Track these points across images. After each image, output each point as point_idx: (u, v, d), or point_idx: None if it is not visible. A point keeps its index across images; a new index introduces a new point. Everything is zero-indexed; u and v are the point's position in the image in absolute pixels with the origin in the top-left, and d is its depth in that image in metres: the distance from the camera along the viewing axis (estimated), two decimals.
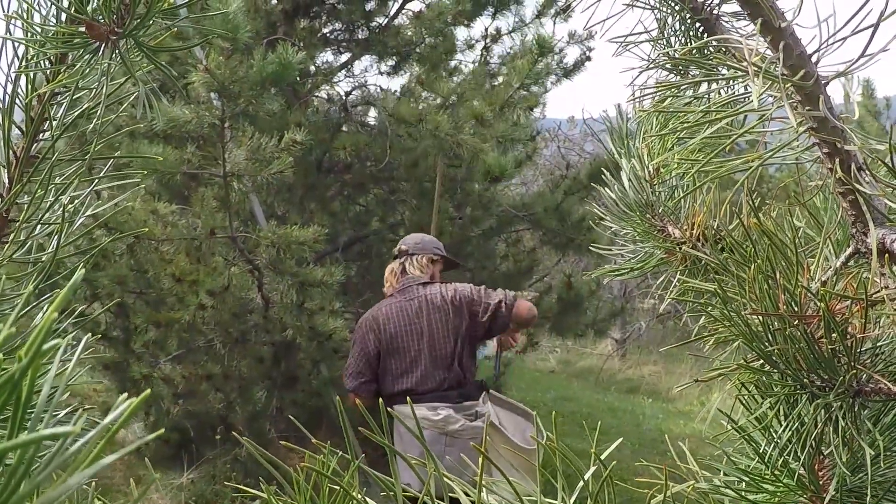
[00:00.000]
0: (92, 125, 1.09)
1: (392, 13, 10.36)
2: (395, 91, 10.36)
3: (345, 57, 10.62)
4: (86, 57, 1.06)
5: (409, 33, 10.14)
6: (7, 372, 0.46)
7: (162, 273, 7.92)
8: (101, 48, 1.04)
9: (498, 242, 11.73)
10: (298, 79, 9.18)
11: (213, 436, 8.92)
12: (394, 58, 10.41)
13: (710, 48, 1.26)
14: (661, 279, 1.55)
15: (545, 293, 11.56)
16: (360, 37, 10.41)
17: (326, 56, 10.50)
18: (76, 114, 1.11)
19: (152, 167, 7.30)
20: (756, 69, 1.05)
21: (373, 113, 10.22)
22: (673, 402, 17.01)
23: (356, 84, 10.62)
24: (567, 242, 11.00)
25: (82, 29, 1.05)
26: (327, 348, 8.01)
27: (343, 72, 10.54)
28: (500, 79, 10.10)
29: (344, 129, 9.85)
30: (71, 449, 0.50)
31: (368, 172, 10.04)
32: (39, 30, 1.06)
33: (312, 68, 9.87)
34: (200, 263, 8.06)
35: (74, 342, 0.55)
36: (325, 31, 10.29)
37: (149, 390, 0.54)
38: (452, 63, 10.42)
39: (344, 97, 10.33)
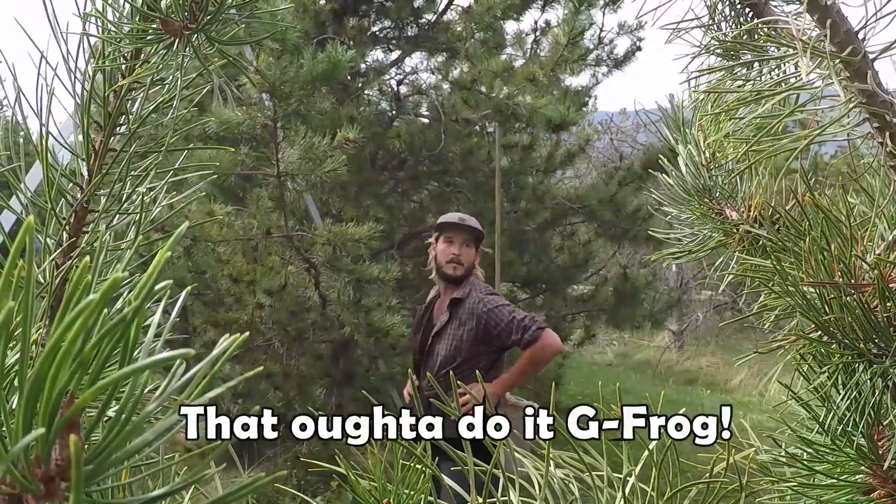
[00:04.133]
0: (168, 116, 1.14)
1: (441, 9, 10.37)
2: (448, 73, 10.38)
3: (395, 54, 10.64)
4: (161, 52, 1.11)
5: (459, 28, 10.16)
6: (120, 313, 0.50)
7: (219, 274, 7.99)
8: (175, 43, 1.08)
9: (553, 235, 11.71)
10: (349, 77, 9.22)
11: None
12: (444, 54, 10.43)
13: (760, 32, 1.28)
14: (720, 261, 1.57)
15: (601, 285, 11.54)
16: (409, 34, 10.43)
17: (377, 54, 10.53)
18: (153, 107, 1.15)
19: (211, 167, 7.34)
20: (804, 46, 1.07)
21: (425, 107, 10.24)
22: (731, 393, 16.90)
23: (406, 75, 10.66)
24: (622, 234, 10.98)
25: (156, 25, 1.09)
26: (385, 345, 8.04)
27: (394, 69, 10.57)
28: (549, 56, 10.11)
29: (396, 122, 9.88)
30: (180, 381, 0.54)
31: (423, 167, 10.06)
32: (115, 27, 1.10)
33: (363, 66, 9.91)
34: (257, 263, 8.13)
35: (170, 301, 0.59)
36: (375, 29, 10.31)
37: (247, 333, 0.58)
38: (502, 57, 10.41)
39: (396, 88, 10.37)
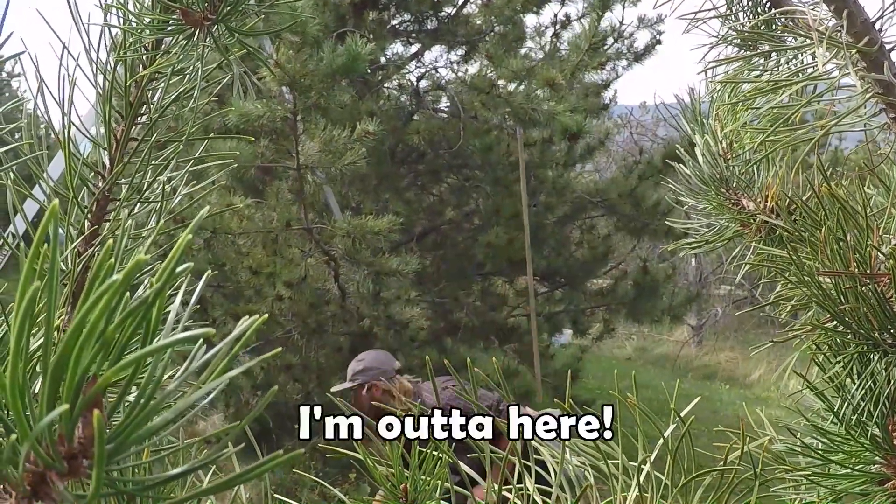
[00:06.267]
0: (189, 105, 1.15)
1: (460, 2, 10.37)
2: (467, 70, 10.39)
3: (414, 48, 10.65)
4: (181, 42, 1.12)
5: (479, 22, 10.16)
6: (141, 296, 0.51)
7: (239, 266, 8.01)
8: (196, 34, 1.09)
9: (572, 229, 11.69)
10: (369, 70, 9.22)
11: (292, 426, 8.98)
12: (463, 47, 10.42)
13: (778, 22, 1.28)
14: (737, 251, 1.57)
15: (621, 279, 11.52)
16: (429, 27, 10.43)
17: (396, 47, 10.53)
18: (173, 96, 1.16)
19: (231, 157, 7.34)
20: (820, 36, 1.07)
21: (445, 101, 10.23)
22: (750, 388, 16.87)
23: (426, 70, 10.67)
24: (642, 228, 10.95)
25: (176, 16, 1.10)
26: (404, 337, 8.05)
27: (413, 62, 10.57)
28: (570, 62, 10.11)
29: (416, 117, 9.88)
30: (200, 361, 0.55)
31: (442, 161, 10.06)
32: (136, 18, 1.12)
33: (383, 60, 9.91)
34: (277, 255, 8.14)
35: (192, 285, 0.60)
36: (394, 22, 10.31)
37: (266, 314, 0.59)
38: (522, 51, 10.41)
39: (415, 82, 10.38)
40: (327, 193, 8.50)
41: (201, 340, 0.54)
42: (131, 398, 0.54)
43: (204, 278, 0.59)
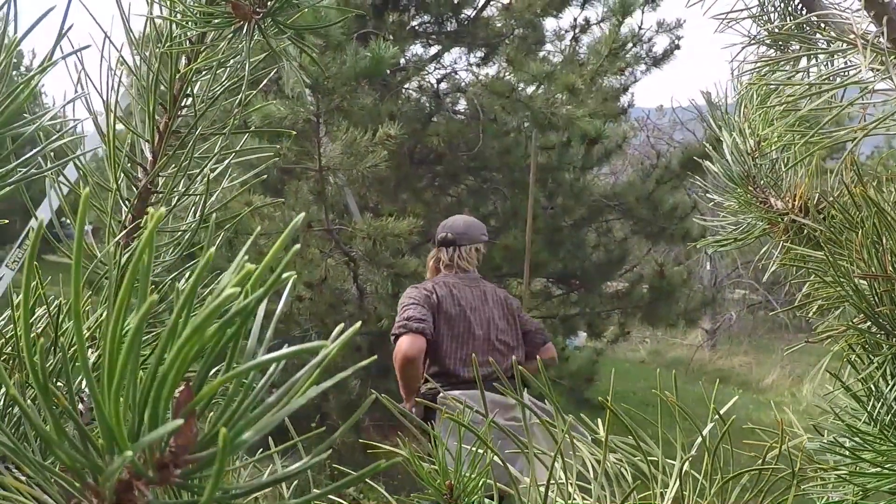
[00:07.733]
0: (239, 99, 1.16)
1: (480, 5, 10.39)
2: (487, 73, 10.39)
3: (434, 49, 10.66)
4: (229, 36, 1.13)
5: (499, 24, 10.17)
6: (241, 303, 0.52)
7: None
8: (245, 27, 1.10)
9: (589, 232, 11.66)
10: (389, 72, 9.23)
11: (308, 425, 8.99)
12: (483, 49, 10.43)
13: (810, 24, 1.29)
14: (764, 250, 1.58)
15: (636, 282, 11.50)
16: (448, 29, 10.45)
17: (416, 49, 10.54)
18: (222, 89, 1.17)
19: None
20: (863, 42, 1.08)
21: (464, 104, 10.24)
22: (763, 392, 16.83)
23: (446, 72, 10.69)
24: (659, 232, 10.93)
25: (223, 9, 1.11)
26: None
27: (433, 64, 10.58)
28: (589, 67, 10.10)
29: (435, 119, 9.89)
30: (295, 376, 0.56)
31: (460, 163, 10.06)
32: (184, 7, 1.13)
33: (402, 61, 9.92)
34: (297, 256, 8.15)
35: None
36: (414, 24, 10.33)
37: (359, 323, 0.60)
38: (541, 54, 10.42)
39: (435, 84, 10.39)
40: (347, 195, 8.52)
41: (278, 358, 0.55)
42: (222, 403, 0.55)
43: (290, 284, 0.60)
